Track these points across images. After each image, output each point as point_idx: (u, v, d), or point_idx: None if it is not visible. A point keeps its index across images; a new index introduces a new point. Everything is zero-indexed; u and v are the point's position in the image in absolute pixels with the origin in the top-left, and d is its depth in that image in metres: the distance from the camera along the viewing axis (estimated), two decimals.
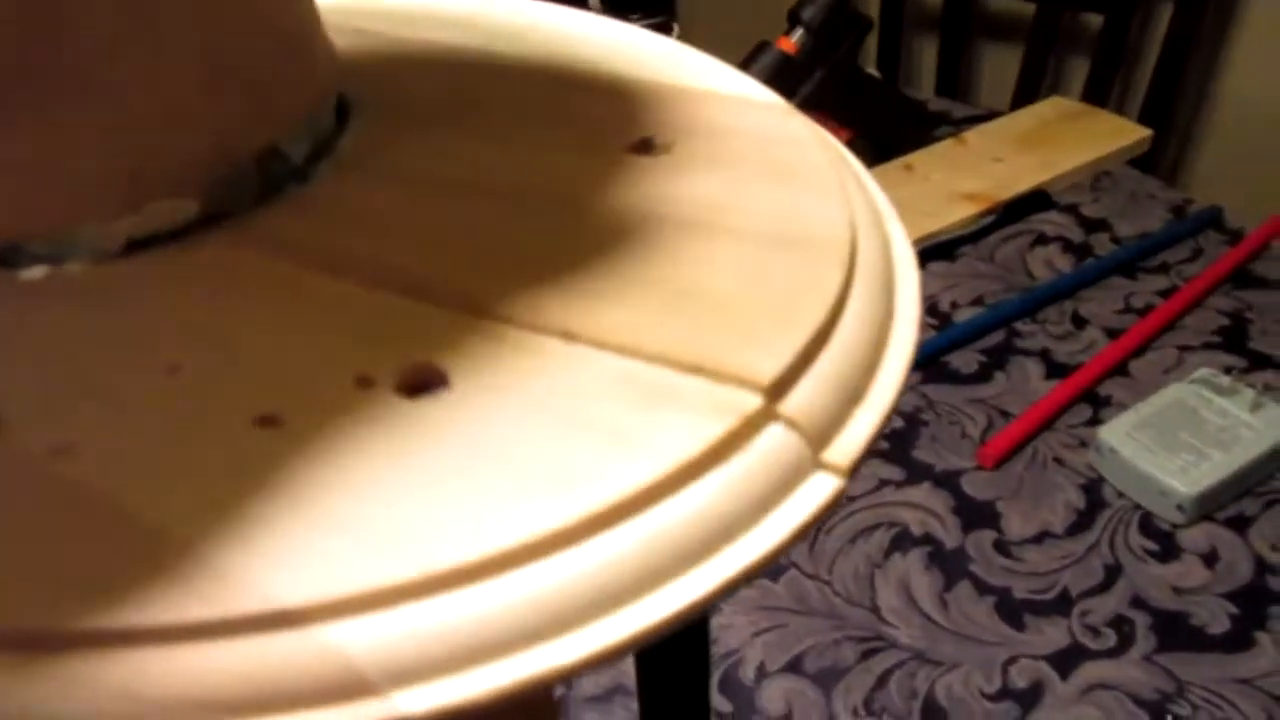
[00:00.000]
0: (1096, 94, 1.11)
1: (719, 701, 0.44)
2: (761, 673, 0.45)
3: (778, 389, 0.11)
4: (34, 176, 0.11)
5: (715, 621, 0.46)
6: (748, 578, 0.11)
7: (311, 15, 0.13)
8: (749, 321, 0.12)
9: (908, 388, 0.59)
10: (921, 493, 0.52)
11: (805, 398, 0.12)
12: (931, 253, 0.68)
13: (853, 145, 0.76)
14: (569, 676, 0.09)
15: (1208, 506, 0.49)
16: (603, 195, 0.12)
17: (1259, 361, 0.58)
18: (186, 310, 0.11)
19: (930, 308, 0.65)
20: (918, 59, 1.38)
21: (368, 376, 0.11)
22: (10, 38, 0.10)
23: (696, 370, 0.11)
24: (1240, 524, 0.49)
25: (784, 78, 0.71)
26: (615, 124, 0.14)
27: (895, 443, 0.55)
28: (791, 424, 0.11)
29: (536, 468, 0.10)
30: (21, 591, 0.09)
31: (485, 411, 0.10)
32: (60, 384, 0.11)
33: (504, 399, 0.10)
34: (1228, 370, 0.56)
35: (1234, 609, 0.46)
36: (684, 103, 0.15)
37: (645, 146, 0.14)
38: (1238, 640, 0.44)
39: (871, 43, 1.29)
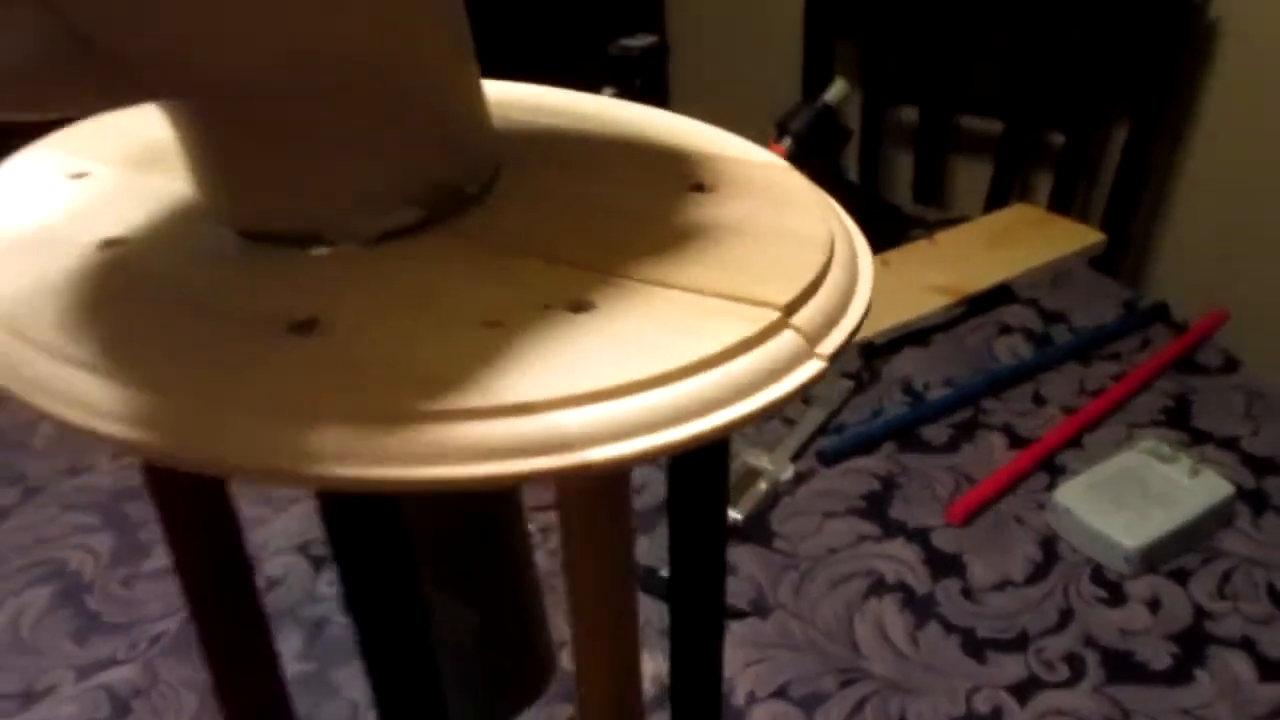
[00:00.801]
0: (1061, 202, 1.20)
1: None
2: (751, 698, 0.49)
3: (789, 309, 0.18)
4: (334, 191, 0.18)
5: None
6: (766, 414, 0.17)
7: (484, 105, 0.20)
8: (769, 275, 0.18)
9: (884, 456, 0.65)
10: (896, 546, 0.58)
11: (804, 316, 0.18)
12: (907, 339, 0.75)
13: None
14: (671, 453, 0.16)
15: (1152, 560, 0.55)
16: (674, 212, 0.20)
17: (1199, 437, 0.64)
18: (424, 273, 0.18)
19: (905, 387, 0.71)
20: (896, 169, 1.48)
21: (549, 304, 0.18)
22: (359, 111, 0.17)
23: (739, 299, 0.18)
24: (1181, 576, 0.55)
25: (825, 124, 0.79)
26: (679, 173, 0.21)
27: (872, 503, 0.61)
28: (796, 330, 0.18)
29: (650, 346, 0.17)
30: (396, 392, 0.15)
31: (618, 320, 0.17)
32: (350, 308, 0.18)
33: (628, 314, 0.17)
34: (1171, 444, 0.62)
35: (1175, 649, 0.51)
36: (721, 161, 0.22)
37: (699, 187, 0.21)
38: (1178, 675, 0.49)
39: (853, 152, 1.39)
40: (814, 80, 1.35)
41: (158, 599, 0.56)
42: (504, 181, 0.21)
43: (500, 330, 0.17)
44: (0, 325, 0.18)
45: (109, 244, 0.20)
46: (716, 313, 0.17)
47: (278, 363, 0.17)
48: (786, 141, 0.78)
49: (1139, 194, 1.20)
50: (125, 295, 0.19)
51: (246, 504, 0.64)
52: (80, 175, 0.23)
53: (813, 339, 0.18)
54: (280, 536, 0.61)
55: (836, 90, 0.78)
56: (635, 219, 0.19)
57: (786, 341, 0.17)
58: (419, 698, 0.22)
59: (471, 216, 0.20)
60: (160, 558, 0.59)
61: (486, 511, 0.25)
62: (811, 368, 0.17)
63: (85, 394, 0.17)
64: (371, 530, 0.20)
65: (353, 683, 0.51)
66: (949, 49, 1.31)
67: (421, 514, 0.25)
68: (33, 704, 0.50)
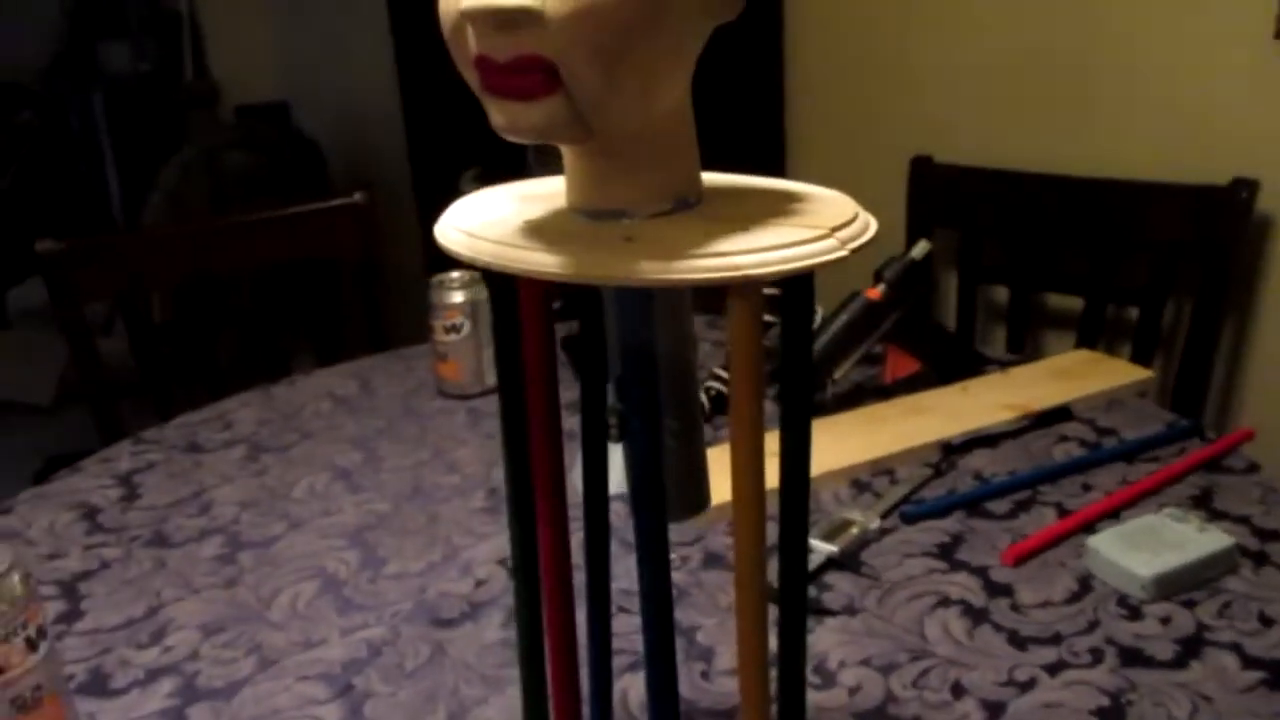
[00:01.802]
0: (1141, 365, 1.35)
1: (811, 677, 0.64)
2: (841, 664, 0.65)
3: (833, 230, 0.36)
4: (638, 192, 0.37)
5: (813, 641, 0.67)
6: (820, 266, 0.35)
7: (698, 163, 0.41)
8: (828, 220, 0.37)
9: (954, 520, 0.81)
10: (959, 577, 0.73)
11: (841, 234, 0.37)
12: (978, 442, 0.92)
13: (920, 372, 1.02)
14: (787, 275, 0.34)
15: (1164, 589, 0.69)
16: (784, 200, 0.39)
17: (1216, 515, 0.79)
18: (670, 227, 0.37)
19: (975, 475, 0.88)
20: (990, 339, 1.66)
21: (729, 231, 0.37)
22: (659, 152, 0.37)
23: (812, 226, 0.36)
24: (1189, 603, 0.69)
25: (870, 317, 0.99)
26: (787, 192, 0.41)
27: (942, 549, 0.77)
28: (837, 238, 0.36)
29: (775, 238, 0.35)
30: (668, 253, 0.35)
31: (761, 233, 0.36)
32: (644, 233, 0.36)
33: (765, 231, 0.36)
34: None
35: (1178, 647, 0.65)
36: (811, 196, 0.42)
37: (799, 197, 0.41)
38: (1178, 664, 0.63)
39: (950, 323, 1.59)
40: None
41: None
42: (708, 199, 0.41)
43: (706, 233, 0.36)
44: (500, 241, 0.38)
45: (527, 218, 0.40)
46: (803, 229, 0.36)
47: (620, 249, 0.36)
48: (881, 286, 0.98)
49: (1209, 357, 1.34)
50: (541, 232, 0.38)
51: (459, 534, 0.84)
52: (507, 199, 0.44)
53: (843, 243, 0.37)
54: (485, 553, 0.80)
55: (920, 248, 0.98)
56: (769, 204, 0.39)
57: (830, 242, 0.36)
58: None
59: (692, 210, 0.39)
60: None
61: (688, 367, 0.44)
62: (841, 251, 0.36)
63: (530, 263, 0.36)
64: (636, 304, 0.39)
65: None
66: (1034, 237, 1.52)
67: (665, 347, 0.43)
68: None
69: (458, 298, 1.09)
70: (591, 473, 0.46)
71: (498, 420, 1.05)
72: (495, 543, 0.82)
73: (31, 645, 0.59)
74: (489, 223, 0.39)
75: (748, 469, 0.38)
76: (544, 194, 0.42)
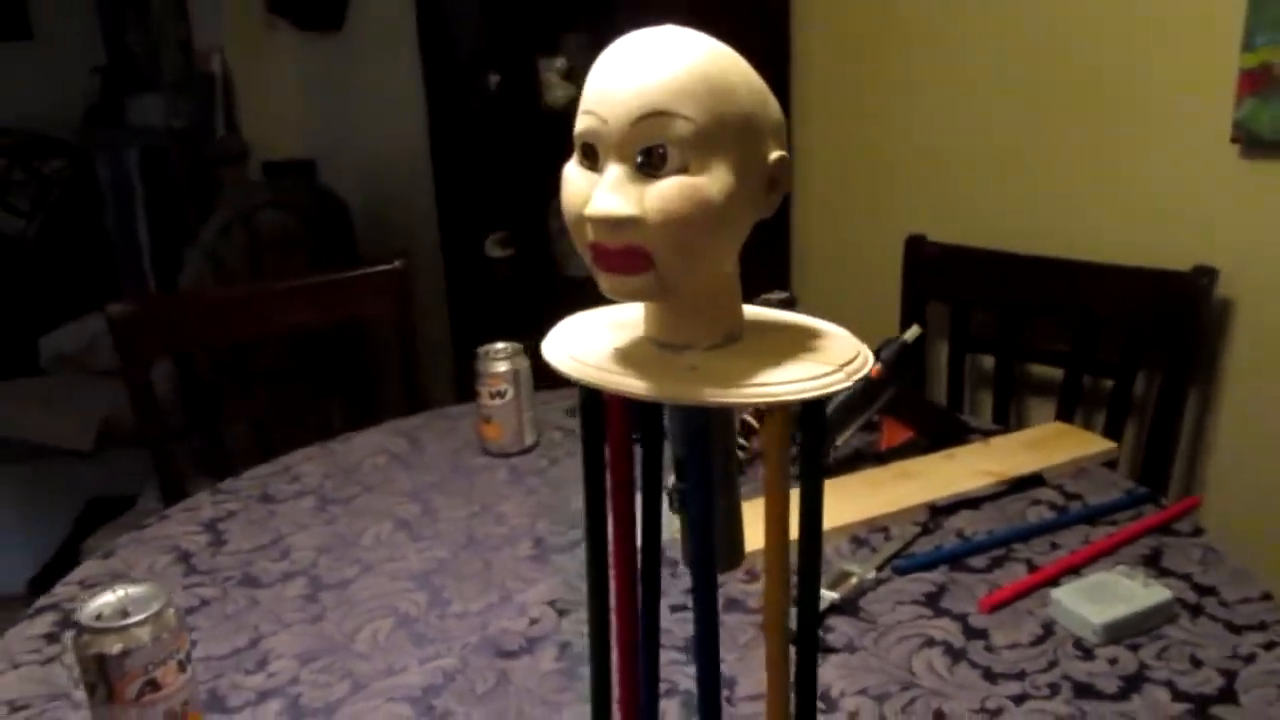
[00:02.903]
0: (1112, 432, 1.49)
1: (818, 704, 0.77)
2: (842, 693, 0.78)
3: (841, 367, 0.49)
4: (698, 332, 0.51)
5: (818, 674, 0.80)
6: (830, 394, 0.48)
7: (741, 305, 0.54)
8: (836, 358, 0.51)
9: (940, 572, 0.94)
10: (943, 622, 0.87)
11: (847, 369, 0.50)
12: (962, 504, 1.06)
13: (912, 440, 1.16)
14: (804, 401, 0.48)
15: (1114, 635, 0.82)
16: (807, 337, 0.53)
17: (1164, 572, 0.92)
18: (720, 359, 0.51)
19: (958, 534, 1.01)
20: (978, 405, 1.80)
21: (765, 365, 0.51)
22: (711, 304, 0.51)
23: (827, 363, 0.50)
24: (1134, 647, 0.82)
25: (869, 392, 1.13)
26: (809, 328, 0.55)
27: (929, 598, 0.90)
28: (844, 373, 0.49)
29: (797, 371, 0.49)
30: (714, 382, 0.49)
31: (791, 366, 0.50)
32: (701, 364, 0.51)
33: (793, 364, 0.50)
34: None
35: (1122, 683, 0.78)
36: (827, 334, 0.55)
37: (818, 334, 0.55)
38: (1120, 697, 0.76)
39: (941, 390, 1.73)
40: (906, 327, 1.71)
41: None
42: (747, 334, 0.54)
43: (736, 362, 0.50)
44: (599, 366, 0.52)
45: (615, 346, 0.54)
46: (819, 364, 0.49)
47: (686, 377, 0.49)
48: (878, 365, 1.12)
49: (1175, 428, 1.48)
50: (627, 358, 0.52)
51: (511, 579, 0.97)
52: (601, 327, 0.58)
53: (848, 375, 0.50)
54: (536, 596, 0.94)
55: (912, 332, 1.13)
56: (794, 341, 0.53)
57: (839, 375, 0.50)
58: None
59: (737, 344, 0.53)
60: None
61: (731, 457, 0.57)
62: (846, 382, 0.49)
63: (623, 385, 0.50)
64: (694, 428, 0.53)
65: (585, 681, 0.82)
66: (1018, 312, 1.66)
67: (717, 444, 0.56)
68: None
69: (502, 367, 1.23)
70: (649, 535, 0.60)
71: (537, 477, 1.19)
72: (543, 586, 0.95)
73: (182, 667, 0.73)
74: (586, 347, 0.53)
75: (777, 531, 0.51)
76: (627, 321, 0.56)
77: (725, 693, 0.79)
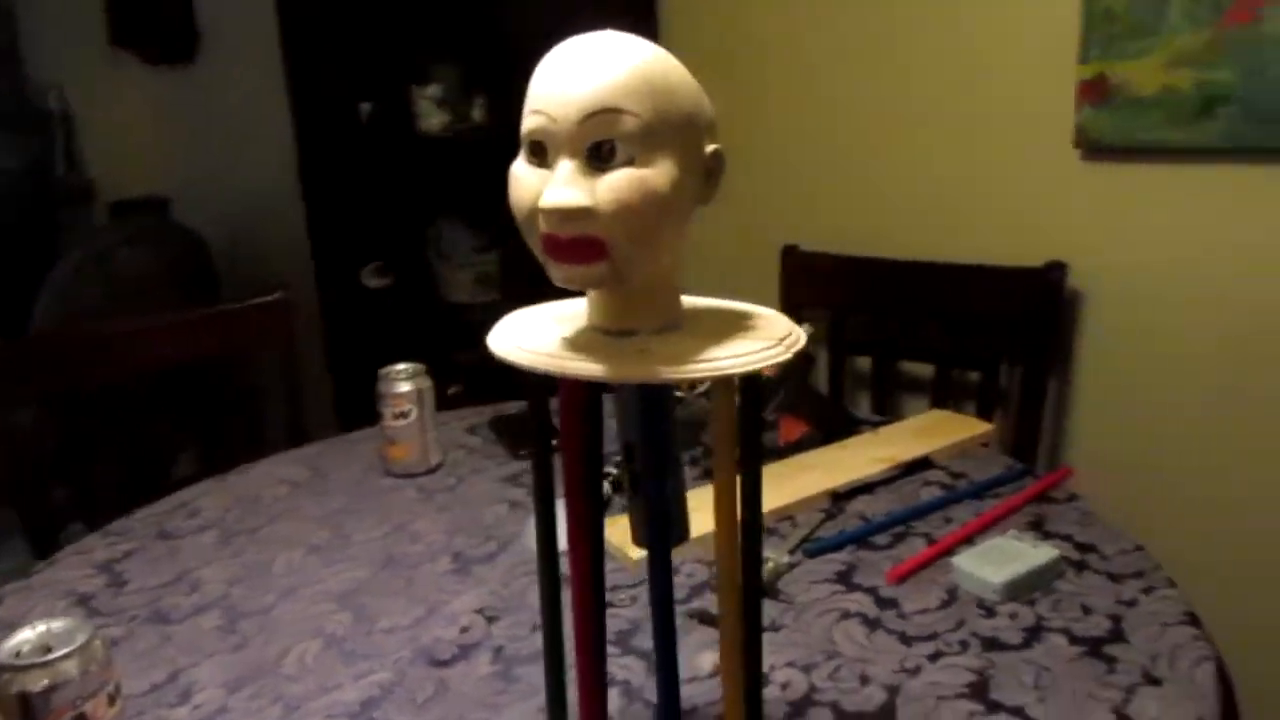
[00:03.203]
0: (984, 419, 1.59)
1: None
2: (773, 667, 0.82)
3: (780, 340, 0.53)
4: (641, 318, 0.54)
5: None
6: (771, 366, 0.52)
7: (679, 293, 0.58)
8: (771, 332, 0.55)
9: (847, 552, 0.99)
10: (855, 596, 0.92)
11: (785, 342, 0.54)
12: (860, 490, 1.12)
13: (808, 434, 1.22)
14: (745, 372, 0.52)
15: (1012, 593, 0.89)
16: (741, 319, 0.56)
17: (1048, 535, 1.00)
18: (660, 341, 0.54)
19: (860, 517, 1.07)
20: (859, 401, 1.89)
21: (704, 344, 0.55)
22: (655, 292, 0.54)
23: (766, 338, 0.54)
24: (1031, 602, 0.89)
25: (766, 391, 1.18)
26: (742, 312, 0.59)
27: (840, 575, 0.95)
28: (783, 345, 0.53)
29: (739, 347, 0.53)
30: (656, 361, 0.52)
31: (729, 344, 0.53)
32: (648, 345, 0.54)
33: (731, 342, 0.54)
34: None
35: (1023, 634, 0.84)
36: (760, 315, 0.59)
37: (751, 317, 0.58)
38: (1024, 645, 0.83)
39: (824, 388, 1.80)
40: None
41: None
42: (687, 320, 0.58)
43: (682, 345, 0.53)
44: (551, 354, 0.54)
45: (563, 336, 0.56)
46: (760, 340, 0.53)
47: (639, 358, 0.52)
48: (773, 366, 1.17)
49: (1039, 409, 1.60)
50: (577, 345, 0.54)
51: (435, 593, 0.97)
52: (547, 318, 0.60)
53: (787, 348, 0.54)
54: (463, 605, 0.94)
55: (804, 329, 1.19)
56: (731, 323, 0.56)
57: (779, 348, 0.53)
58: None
59: (677, 330, 0.56)
60: None
61: (673, 432, 0.60)
62: (786, 354, 0.54)
63: (580, 369, 0.53)
64: (651, 406, 0.56)
65: (532, 679, 0.83)
66: (891, 314, 1.76)
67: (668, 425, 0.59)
68: None
69: (405, 387, 1.23)
70: (593, 526, 0.62)
71: (447, 494, 1.19)
72: (469, 597, 0.96)
73: (111, 700, 0.71)
74: (534, 339, 0.56)
75: (727, 502, 0.55)
76: (568, 315, 0.59)
77: None
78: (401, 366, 1.25)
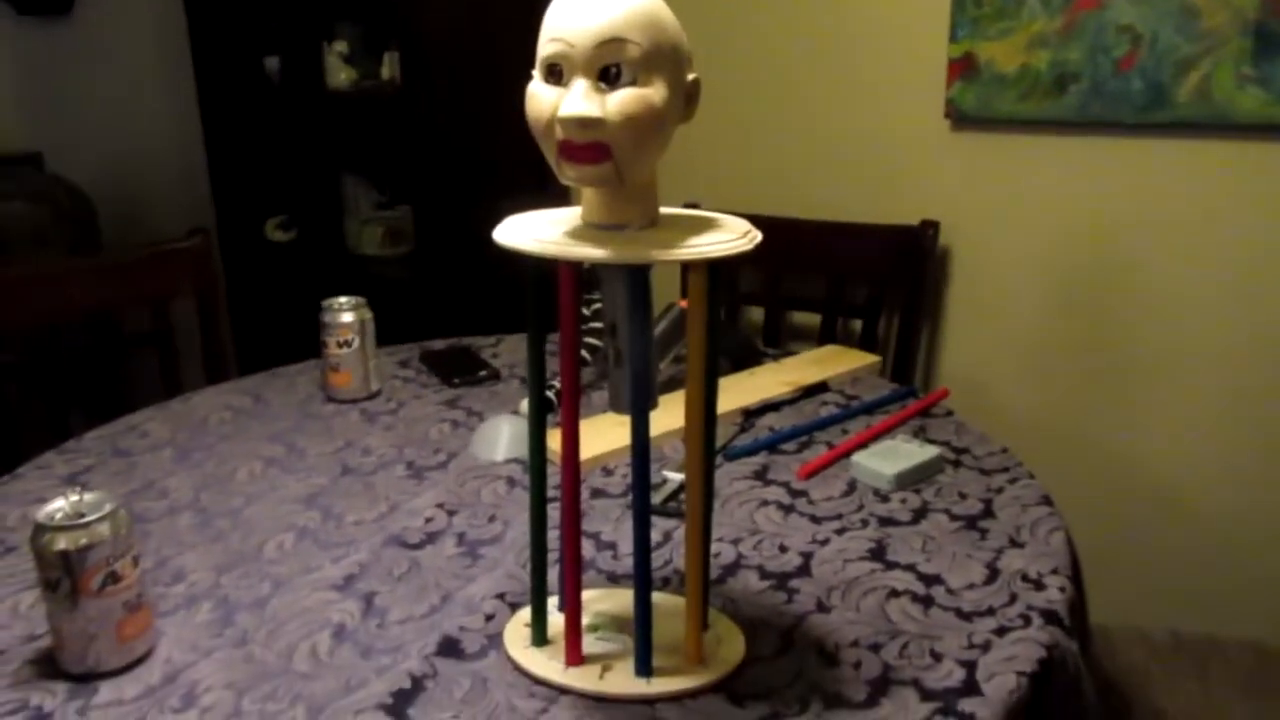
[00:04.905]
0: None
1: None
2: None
3: (744, 234, 0.67)
4: (631, 212, 0.65)
5: (681, 535, 0.97)
6: (739, 255, 0.65)
7: (657, 198, 0.70)
8: (736, 229, 0.68)
9: (760, 458, 1.14)
10: (771, 489, 1.06)
11: (748, 236, 0.67)
12: (767, 409, 1.27)
13: (719, 363, 1.36)
14: (712, 261, 0.64)
15: (902, 483, 1.05)
16: (704, 222, 0.69)
17: (930, 441, 1.17)
18: (645, 234, 0.66)
19: (770, 429, 1.22)
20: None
21: (678, 239, 0.67)
22: (639, 193, 0.66)
23: (731, 231, 0.67)
24: (918, 490, 1.05)
25: (683, 323, 1.31)
26: (706, 216, 0.71)
27: (756, 474, 1.10)
28: (747, 239, 0.66)
29: (707, 241, 0.66)
30: (647, 244, 0.64)
31: (694, 238, 0.66)
32: (636, 237, 0.64)
33: (698, 237, 0.66)
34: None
35: (911, 514, 1.00)
36: (721, 220, 0.72)
37: (713, 220, 0.71)
38: (913, 522, 0.99)
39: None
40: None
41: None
42: (663, 222, 0.70)
43: (664, 236, 0.65)
44: (554, 243, 0.65)
45: (563, 230, 0.67)
46: (728, 233, 0.66)
47: (632, 243, 0.63)
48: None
49: (912, 351, 1.78)
50: (576, 236, 0.66)
51: (395, 494, 1.07)
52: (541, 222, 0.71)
53: (750, 240, 0.67)
54: (423, 503, 1.05)
55: None
56: (702, 223, 0.68)
57: (744, 240, 0.66)
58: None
59: (660, 226, 0.68)
60: None
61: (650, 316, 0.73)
62: (749, 245, 0.66)
63: (584, 254, 0.64)
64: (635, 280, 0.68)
65: (496, 555, 0.95)
66: (780, 269, 1.92)
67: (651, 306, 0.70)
68: None
69: (348, 317, 1.31)
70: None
71: (390, 415, 1.29)
72: (428, 495, 1.07)
73: (135, 562, 0.79)
74: (538, 233, 0.67)
75: (699, 374, 0.68)
76: (561, 218, 0.70)
77: (610, 553, 0.95)
78: (344, 299, 1.33)
